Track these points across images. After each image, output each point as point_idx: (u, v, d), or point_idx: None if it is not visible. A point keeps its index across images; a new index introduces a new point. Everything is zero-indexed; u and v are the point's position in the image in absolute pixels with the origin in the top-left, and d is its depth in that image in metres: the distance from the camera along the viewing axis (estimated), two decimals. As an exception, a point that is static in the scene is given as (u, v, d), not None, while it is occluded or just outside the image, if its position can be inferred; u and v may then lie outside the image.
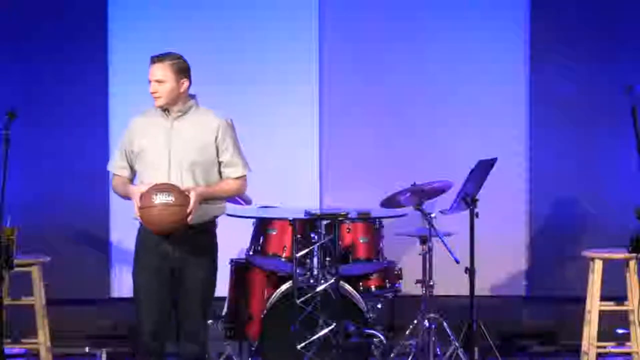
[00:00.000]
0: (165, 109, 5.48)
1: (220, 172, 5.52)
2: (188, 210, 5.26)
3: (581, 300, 7.11)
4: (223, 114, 5.59)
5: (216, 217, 5.59)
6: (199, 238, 5.47)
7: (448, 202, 6.86)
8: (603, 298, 7.00)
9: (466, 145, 7.67)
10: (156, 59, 5.48)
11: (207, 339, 5.65)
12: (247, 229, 6.93)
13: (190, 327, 5.49)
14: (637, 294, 6.93)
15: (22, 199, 7.41)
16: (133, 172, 5.56)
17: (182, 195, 5.26)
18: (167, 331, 5.50)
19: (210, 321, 6.79)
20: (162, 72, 5.44)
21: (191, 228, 5.40)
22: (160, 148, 5.43)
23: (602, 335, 7.06)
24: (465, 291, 6.77)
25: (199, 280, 5.47)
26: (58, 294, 7.31)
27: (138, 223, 5.53)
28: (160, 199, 5.23)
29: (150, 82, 5.45)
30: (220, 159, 5.51)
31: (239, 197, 6.84)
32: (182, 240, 5.42)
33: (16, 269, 6.27)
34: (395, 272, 7.05)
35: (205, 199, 5.39)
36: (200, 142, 5.46)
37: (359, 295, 6.70)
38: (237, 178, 5.53)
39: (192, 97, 5.56)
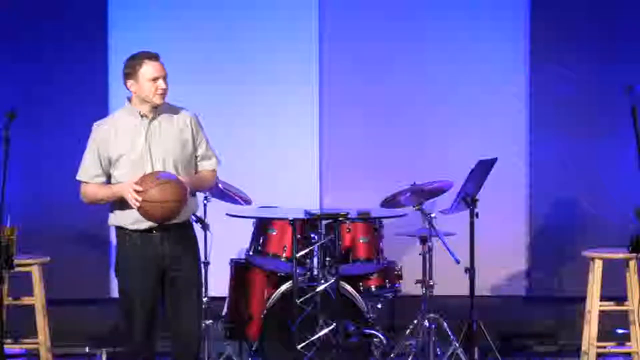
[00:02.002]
0: (140, 112, 5.44)
1: (196, 166, 5.53)
2: (186, 188, 5.25)
3: (581, 300, 7.11)
4: (190, 109, 5.56)
5: (194, 213, 5.60)
6: (183, 236, 5.47)
7: (448, 202, 6.86)
8: (603, 298, 7.00)
9: (466, 145, 7.66)
10: (158, 56, 5.46)
11: (202, 338, 5.66)
12: (247, 229, 6.93)
13: (186, 326, 5.48)
14: (637, 294, 6.93)
15: (22, 199, 7.41)
16: (107, 180, 5.49)
17: (174, 176, 5.27)
18: (158, 331, 5.49)
19: (210, 321, 6.80)
20: (164, 69, 5.44)
21: (175, 226, 5.40)
22: (140, 149, 5.39)
23: (602, 335, 7.06)
24: (465, 291, 6.77)
25: (190, 280, 5.47)
26: (58, 294, 7.30)
27: (116, 229, 5.50)
28: (158, 180, 5.22)
29: (155, 79, 5.39)
30: (196, 153, 5.51)
31: (238, 196, 6.86)
32: (169, 241, 5.41)
33: (16, 269, 6.26)
34: (395, 272, 7.05)
35: (191, 189, 5.39)
36: (179, 138, 5.45)
37: (359, 295, 6.70)
38: (212, 170, 5.55)
39: None
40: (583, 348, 7.07)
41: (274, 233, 6.77)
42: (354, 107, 7.87)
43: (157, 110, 5.44)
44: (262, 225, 6.84)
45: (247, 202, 6.92)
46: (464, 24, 7.85)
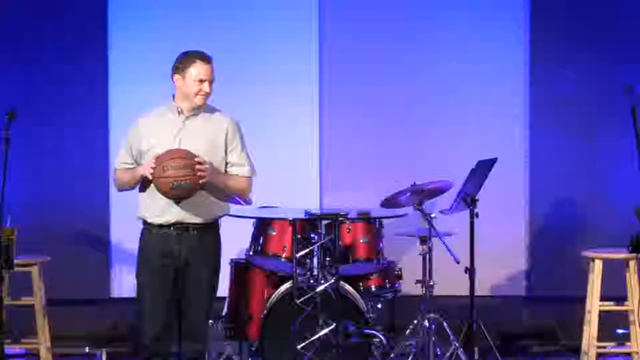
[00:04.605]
0: (179, 108, 5.50)
1: (226, 173, 5.55)
2: (197, 160, 5.29)
3: (581, 300, 7.11)
4: (231, 115, 5.63)
5: (220, 216, 5.60)
6: (203, 238, 5.49)
7: (448, 202, 6.85)
8: (603, 298, 7.00)
9: (466, 145, 7.67)
10: (211, 59, 5.53)
11: (208, 339, 5.67)
12: (247, 229, 6.93)
13: (192, 327, 5.50)
14: (637, 294, 6.94)
15: (22, 199, 7.41)
16: None
17: (193, 171, 5.28)
18: (171, 331, 5.50)
19: (210, 321, 6.80)
20: (213, 74, 5.51)
21: (195, 226, 5.43)
22: (169, 146, 5.43)
23: (602, 335, 7.06)
24: (465, 291, 6.77)
25: (202, 280, 5.49)
26: (58, 294, 7.31)
27: (141, 223, 5.54)
28: (172, 171, 5.27)
29: (202, 81, 5.47)
30: (228, 159, 5.53)
31: (239, 197, 6.85)
32: (187, 240, 5.44)
33: (16, 269, 6.26)
34: (395, 272, 7.04)
35: (214, 178, 5.39)
36: (210, 141, 5.48)
37: (359, 295, 6.70)
38: (243, 177, 5.56)
39: None
40: (583, 348, 7.07)
41: (274, 233, 6.77)
42: (354, 107, 7.87)
43: (197, 110, 5.49)
44: (262, 225, 6.84)
45: (248, 202, 6.91)
46: (464, 24, 7.85)
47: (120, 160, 5.62)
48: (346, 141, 7.88)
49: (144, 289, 5.48)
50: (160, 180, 5.29)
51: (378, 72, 7.84)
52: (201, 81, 5.47)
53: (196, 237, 5.47)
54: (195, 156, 5.32)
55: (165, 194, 5.34)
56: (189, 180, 5.27)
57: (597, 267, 6.96)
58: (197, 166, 5.27)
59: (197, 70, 5.48)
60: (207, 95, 5.51)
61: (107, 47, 7.78)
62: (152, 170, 5.29)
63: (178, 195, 5.34)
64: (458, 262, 6.51)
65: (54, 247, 7.32)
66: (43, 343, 6.99)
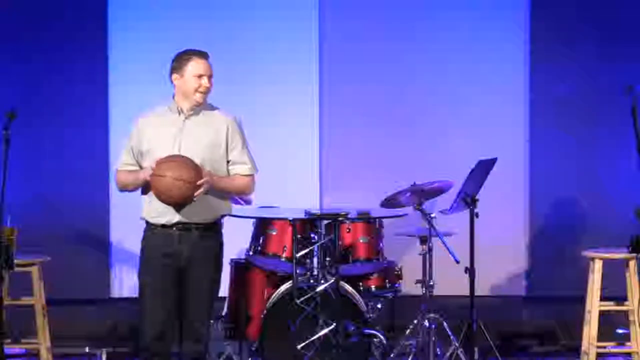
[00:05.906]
0: (179, 108, 5.49)
1: (228, 171, 5.54)
2: (198, 184, 5.27)
3: (581, 300, 7.11)
4: (233, 113, 5.62)
5: (223, 216, 5.59)
6: (206, 237, 5.49)
7: (448, 202, 6.85)
8: (603, 298, 7.00)
9: (466, 145, 7.67)
10: (207, 55, 5.52)
11: (209, 339, 5.67)
12: (247, 229, 6.93)
13: (193, 327, 5.50)
14: (637, 294, 6.94)
15: (22, 199, 7.41)
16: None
17: (194, 172, 5.27)
18: (172, 331, 5.50)
19: (210, 321, 6.80)
20: (211, 69, 5.50)
21: (196, 226, 5.42)
22: (169, 146, 5.44)
23: (602, 335, 7.06)
24: (465, 291, 6.76)
25: (204, 280, 5.49)
26: (58, 294, 7.31)
27: (144, 223, 5.54)
28: (172, 172, 5.25)
29: (200, 76, 5.48)
30: (229, 157, 5.53)
31: (240, 197, 6.85)
32: (189, 240, 5.44)
33: (16, 269, 6.26)
34: (395, 272, 7.04)
35: (214, 186, 5.39)
36: (209, 140, 5.48)
37: (359, 295, 6.70)
38: (244, 176, 5.55)
39: None
40: (583, 348, 7.07)
41: (274, 233, 6.77)
42: (354, 107, 7.87)
43: (197, 109, 5.48)
44: (262, 225, 6.84)
45: (247, 202, 6.91)
46: (464, 24, 7.85)
47: (122, 161, 5.61)
48: (346, 141, 7.88)
49: (146, 288, 5.48)
50: (156, 182, 5.27)
51: (378, 72, 7.85)
52: (200, 77, 5.48)
53: (198, 237, 5.47)
54: (196, 165, 5.31)
55: (160, 198, 5.34)
56: (184, 196, 5.27)
57: (597, 267, 6.95)
58: (198, 183, 5.27)
59: (194, 66, 5.49)
60: (208, 90, 5.50)
61: (107, 47, 7.78)
62: (151, 172, 5.29)
63: (173, 203, 5.34)
64: (458, 262, 6.50)
65: (54, 247, 7.31)
66: (43, 343, 6.99)
